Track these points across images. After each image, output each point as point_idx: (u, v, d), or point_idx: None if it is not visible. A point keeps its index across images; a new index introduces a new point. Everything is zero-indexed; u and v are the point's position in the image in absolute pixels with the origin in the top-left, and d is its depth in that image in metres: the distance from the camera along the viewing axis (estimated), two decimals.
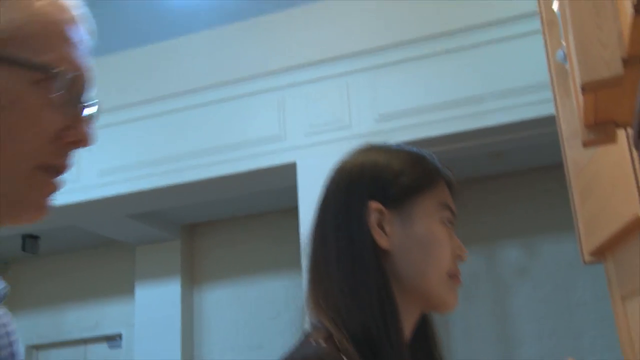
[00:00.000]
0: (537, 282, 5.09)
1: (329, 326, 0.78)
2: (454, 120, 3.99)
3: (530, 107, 3.81)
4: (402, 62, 4.25)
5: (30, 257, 6.20)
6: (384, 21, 4.33)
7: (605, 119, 1.23)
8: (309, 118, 4.44)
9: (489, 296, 5.20)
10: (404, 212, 0.83)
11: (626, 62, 1.02)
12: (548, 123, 3.13)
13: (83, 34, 0.75)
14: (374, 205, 0.82)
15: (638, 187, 1.74)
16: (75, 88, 0.72)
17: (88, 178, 4.84)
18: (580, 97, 1.19)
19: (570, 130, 2.37)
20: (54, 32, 0.69)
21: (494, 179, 5.32)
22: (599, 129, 1.23)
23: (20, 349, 0.76)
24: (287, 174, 4.44)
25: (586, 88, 1.07)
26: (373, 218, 0.82)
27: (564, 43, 1.57)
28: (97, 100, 0.75)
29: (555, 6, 2.35)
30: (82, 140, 0.75)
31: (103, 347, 6.18)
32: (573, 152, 2.35)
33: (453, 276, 0.86)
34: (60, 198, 3.99)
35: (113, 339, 6.14)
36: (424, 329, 0.89)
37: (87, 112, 0.76)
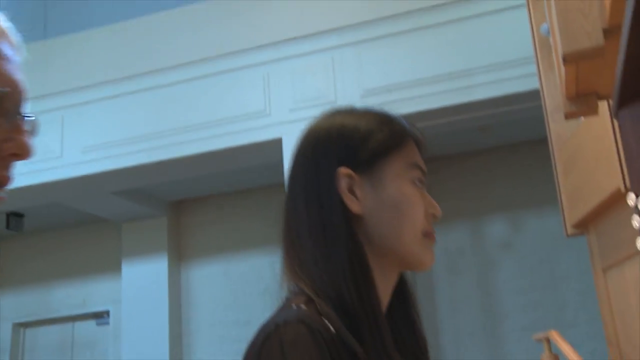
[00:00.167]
0: (522, 256, 5.14)
1: (309, 292, 0.78)
2: (439, 95, 3.99)
3: (515, 82, 3.81)
4: (387, 37, 4.22)
5: (15, 235, 6.17)
6: None
7: (587, 90, 1.23)
8: (294, 94, 4.42)
9: (475, 270, 5.25)
10: (374, 175, 0.83)
11: (607, 32, 1.01)
12: (533, 97, 3.14)
13: (12, 48, 0.77)
14: (343, 170, 0.82)
15: (620, 159, 1.76)
16: (10, 101, 0.73)
17: (72, 155, 4.81)
18: (562, 68, 1.19)
19: (554, 104, 2.38)
20: None
21: (479, 153, 5.34)
22: (581, 101, 1.23)
23: None
24: (272, 149, 4.42)
25: (567, 58, 1.07)
26: (343, 184, 0.81)
27: (547, 17, 1.56)
28: (33, 115, 0.76)
29: None
30: (22, 152, 0.75)
31: (91, 324, 6.20)
32: (557, 126, 2.37)
33: (428, 234, 0.85)
34: (45, 175, 3.96)
35: (100, 316, 6.15)
36: (400, 289, 0.89)
37: (26, 124, 0.76)
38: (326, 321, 0.75)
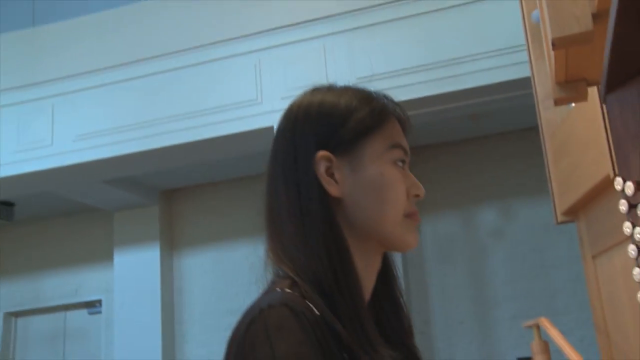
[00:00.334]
0: (513, 244, 5.16)
1: (292, 275, 0.78)
2: (431, 83, 3.98)
3: (506, 70, 3.81)
4: (379, 25, 4.21)
5: (6, 224, 6.14)
6: None
7: (576, 76, 1.23)
8: (285, 82, 4.40)
9: (466, 258, 5.27)
10: (353, 156, 0.81)
11: (596, 17, 1.01)
12: (524, 85, 3.14)
13: None
14: (321, 153, 0.80)
15: (609, 145, 1.76)
16: None
17: (63, 143, 4.78)
18: (552, 53, 1.19)
19: (545, 91, 2.38)
20: None
21: (471, 141, 5.35)
22: (570, 87, 1.23)
23: None
24: (264, 138, 4.41)
25: (557, 43, 1.07)
26: (321, 167, 0.80)
27: (538, 3, 1.55)
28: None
29: None
30: None
31: (83, 313, 6.19)
32: (547, 113, 2.37)
33: (410, 215, 0.83)
34: (35, 164, 3.94)
35: (93, 305, 6.15)
36: (384, 272, 0.88)
37: None
38: (310, 304, 0.74)
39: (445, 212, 5.26)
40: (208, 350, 5.59)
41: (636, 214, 0.78)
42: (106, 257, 6.05)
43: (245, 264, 5.59)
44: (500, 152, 5.29)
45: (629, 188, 0.79)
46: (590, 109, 1.84)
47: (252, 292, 0.77)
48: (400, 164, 0.84)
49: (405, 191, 0.83)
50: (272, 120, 4.36)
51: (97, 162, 4.80)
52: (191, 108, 4.57)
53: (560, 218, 2.29)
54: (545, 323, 2.48)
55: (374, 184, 0.81)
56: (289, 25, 4.45)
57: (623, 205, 0.81)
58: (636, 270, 0.79)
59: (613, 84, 0.86)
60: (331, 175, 0.81)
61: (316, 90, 0.88)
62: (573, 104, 2.08)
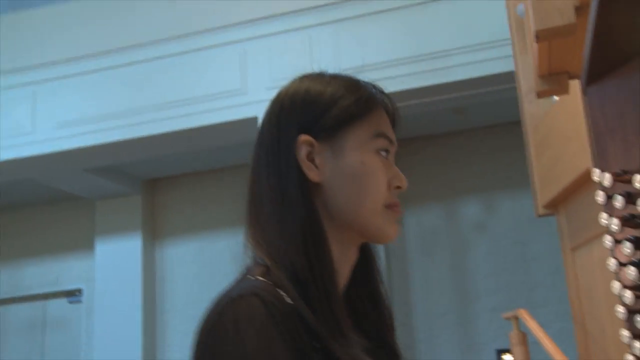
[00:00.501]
0: (495, 237, 5.20)
1: (268, 262, 0.78)
2: (415, 76, 3.99)
3: (491, 63, 3.83)
4: (365, 16, 4.20)
5: None
6: None
7: (559, 69, 1.24)
8: (270, 72, 4.38)
9: (448, 251, 5.31)
10: (335, 143, 0.81)
11: (579, 10, 1.02)
12: (508, 79, 3.16)
13: None
14: (303, 138, 0.80)
15: (591, 140, 1.78)
16: None
17: (45, 131, 4.73)
18: (535, 46, 1.19)
19: (528, 85, 2.40)
20: None
21: (456, 134, 5.37)
22: (553, 79, 1.24)
23: None
24: (248, 128, 4.40)
25: (540, 35, 1.07)
26: (303, 151, 0.80)
27: None
28: None
29: None
30: None
31: (63, 302, 6.15)
32: (531, 107, 2.39)
33: (391, 206, 0.83)
34: (15, 151, 3.89)
35: (73, 294, 6.10)
36: (365, 262, 0.88)
37: None
38: (282, 293, 0.74)
39: (429, 204, 5.28)
40: (190, 340, 5.56)
41: (613, 205, 0.79)
42: (87, 246, 6.00)
43: (228, 254, 5.58)
44: (485, 145, 5.32)
45: (607, 179, 0.80)
46: (573, 103, 1.86)
47: None
48: (383, 153, 0.83)
49: (387, 182, 0.83)
50: (257, 110, 4.34)
51: (79, 150, 4.75)
52: (175, 97, 4.53)
53: (541, 211, 2.31)
54: (524, 314, 2.51)
55: (354, 172, 0.81)
56: (274, 16, 4.43)
57: (600, 197, 0.82)
58: (611, 261, 0.80)
59: (593, 76, 0.87)
60: (312, 160, 0.81)
61: (305, 77, 0.88)
62: (556, 98, 2.10)
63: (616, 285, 0.79)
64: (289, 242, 0.78)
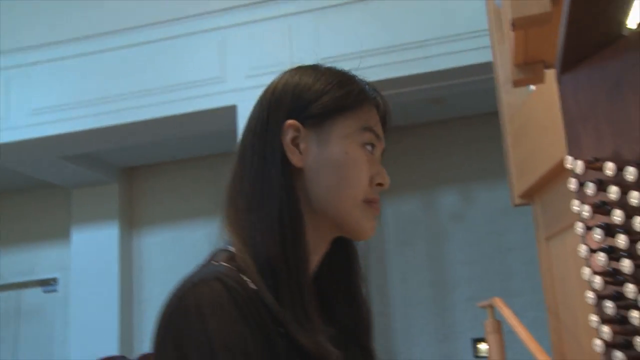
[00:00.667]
0: (472, 227, 5.24)
1: (237, 244, 0.78)
2: (394, 65, 3.99)
3: (469, 54, 3.84)
4: (344, 5, 4.19)
5: None
6: None
7: (535, 58, 1.24)
8: (250, 60, 4.35)
9: (425, 241, 5.34)
10: (322, 131, 0.82)
11: None
12: (487, 69, 3.17)
13: None
14: (290, 122, 0.81)
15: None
16: None
17: (19, 117, 4.65)
18: (512, 34, 1.19)
19: (506, 75, 2.41)
20: None
21: (434, 125, 5.39)
22: (529, 68, 1.25)
23: None
24: (227, 116, 4.37)
25: (516, 24, 1.08)
26: (288, 135, 0.81)
27: None
28: None
29: None
30: None
31: (37, 291, 6.08)
32: (508, 97, 2.40)
33: (370, 202, 0.83)
34: None
35: (48, 284, 6.04)
36: (345, 260, 0.88)
37: None
38: (246, 278, 0.74)
39: (407, 194, 5.30)
40: None
41: (585, 193, 0.80)
42: (63, 234, 5.94)
43: (206, 244, 5.54)
44: (463, 136, 5.35)
45: (579, 167, 0.80)
46: (549, 93, 1.87)
47: None
48: (369, 148, 0.84)
49: (370, 177, 0.83)
50: (236, 98, 4.32)
51: (55, 138, 4.69)
52: (153, 84, 4.49)
53: (517, 201, 2.33)
54: (498, 303, 2.53)
55: (336, 161, 0.81)
56: (254, 3, 4.40)
57: (572, 184, 0.82)
58: (582, 247, 0.81)
59: (567, 64, 0.87)
60: (297, 145, 0.81)
61: (300, 67, 0.89)
62: (533, 87, 2.11)
63: (586, 272, 0.80)
64: (266, 224, 0.78)
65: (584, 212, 0.80)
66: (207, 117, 4.53)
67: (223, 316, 0.69)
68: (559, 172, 1.90)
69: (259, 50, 4.35)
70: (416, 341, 5.21)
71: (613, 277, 0.76)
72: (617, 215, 0.73)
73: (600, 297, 0.78)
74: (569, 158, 0.84)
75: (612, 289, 0.76)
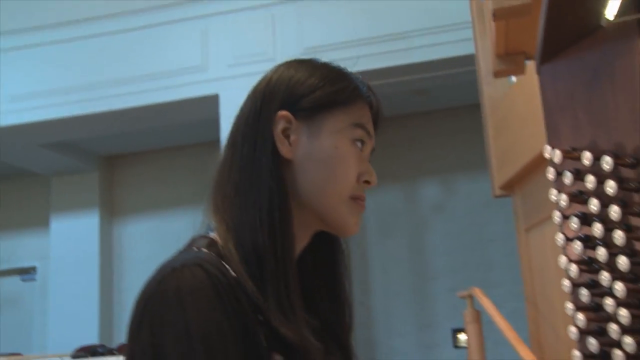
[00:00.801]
0: (453, 219, 5.28)
1: (221, 231, 0.78)
2: (378, 56, 3.99)
3: (453, 45, 3.86)
4: None
5: None
6: None
7: (516, 49, 1.25)
8: (232, 49, 4.33)
9: (407, 232, 5.36)
10: (313, 124, 0.82)
11: None
12: (469, 61, 3.18)
13: None
14: (282, 113, 0.81)
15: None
16: None
17: None
18: (493, 25, 1.20)
19: (487, 67, 2.42)
20: None
21: (417, 116, 5.40)
22: (510, 59, 1.25)
23: None
24: (209, 106, 4.35)
25: (497, 14, 1.08)
26: (279, 126, 0.81)
27: None
28: None
29: None
30: None
31: (16, 280, 6.02)
32: (489, 89, 2.41)
33: (356, 199, 0.84)
34: None
35: (27, 272, 5.98)
36: (332, 256, 0.88)
37: None
38: (226, 265, 0.74)
39: (388, 185, 5.32)
40: None
41: (562, 182, 0.80)
42: (42, 223, 5.88)
43: (187, 233, 5.53)
44: (446, 127, 5.37)
45: (557, 156, 0.81)
46: (530, 85, 1.88)
47: None
48: (359, 144, 0.84)
49: (357, 173, 0.84)
50: (218, 88, 4.29)
51: (34, 125, 4.63)
52: (135, 72, 4.45)
53: (497, 192, 2.35)
54: (478, 293, 2.56)
55: (326, 155, 0.81)
56: None
57: (550, 173, 0.83)
58: (559, 236, 0.82)
59: (547, 55, 0.88)
60: (287, 137, 0.82)
61: (296, 60, 0.89)
62: (514, 79, 2.12)
63: (563, 260, 0.81)
64: (255, 211, 0.78)
65: (561, 201, 0.81)
66: (188, 106, 4.50)
67: (202, 303, 0.69)
68: (539, 164, 1.91)
69: (241, 40, 4.33)
70: (397, 331, 5.25)
71: (589, 265, 0.77)
72: (594, 205, 0.74)
73: (576, 285, 0.79)
74: (548, 147, 0.85)
75: (587, 277, 0.77)
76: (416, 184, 5.43)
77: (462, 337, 4.91)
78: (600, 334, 0.74)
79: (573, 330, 0.78)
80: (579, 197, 0.77)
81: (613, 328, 0.71)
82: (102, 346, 3.71)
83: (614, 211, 0.70)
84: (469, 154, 5.17)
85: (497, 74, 1.28)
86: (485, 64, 2.46)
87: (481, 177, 4.96)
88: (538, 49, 0.87)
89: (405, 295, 5.27)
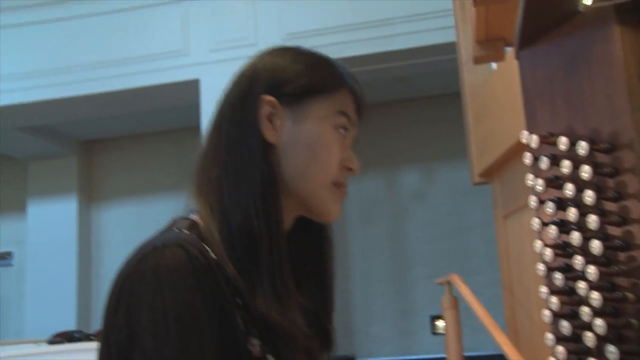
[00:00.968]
0: (433, 206, 5.31)
1: (203, 213, 0.79)
2: (359, 43, 3.98)
3: (434, 33, 3.86)
4: None
5: None
6: None
7: (496, 35, 1.25)
8: (214, 34, 4.29)
9: (387, 219, 5.39)
10: (298, 110, 0.83)
11: None
12: (450, 49, 3.19)
13: None
14: (267, 98, 0.82)
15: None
16: None
17: None
18: (473, 11, 1.20)
19: (468, 54, 2.42)
20: None
21: (398, 104, 5.41)
22: (490, 45, 1.25)
23: None
24: (189, 90, 4.31)
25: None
26: (264, 110, 0.81)
27: None
28: None
29: None
30: None
31: None
32: (470, 76, 2.42)
33: (338, 185, 0.85)
34: None
35: (3, 257, 5.92)
36: (319, 245, 0.89)
37: None
38: (207, 247, 0.74)
39: (369, 173, 5.33)
40: None
41: (539, 167, 0.81)
42: (19, 208, 5.81)
43: (166, 218, 5.49)
44: (426, 115, 5.39)
45: (534, 141, 0.82)
46: (510, 72, 1.89)
47: None
48: (342, 131, 0.85)
49: (339, 160, 0.84)
50: (199, 72, 4.26)
51: (11, 108, 4.56)
52: (114, 56, 4.39)
53: (476, 179, 2.37)
54: (456, 280, 2.58)
55: (309, 140, 0.82)
56: None
57: (527, 158, 0.84)
58: (535, 221, 0.82)
59: (526, 41, 0.88)
60: (272, 122, 0.82)
61: (282, 47, 0.90)
62: (494, 66, 2.13)
63: (538, 244, 0.82)
64: (247, 193, 0.78)
65: (537, 186, 0.82)
66: (169, 91, 4.46)
67: (180, 284, 0.69)
68: (518, 151, 1.92)
69: (223, 24, 4.29)
70: (375, 318, 5.28)
71: (563, 249, 0.77)
72: (569, 189, 0.75)
73: (550, 269, 0.80)
74: (525, 133, 0.85)
75: (561, 261, 0.78)
76: (396, 171, 5.44)
77: (440, 323, 4.95)
78: (573, 316, 0.75)
79: (547, 313, 0.79)
80: (555, 182, 0.78)
81: (585, 311, 0.72)
82: (80, 332, 3.68)
83: (588, 196, 0.71)
84: (449, 142, 5.19)
85: (477, 60, 1.29)
86: (466, 51, 2.46)
87: (461, 165, 4.99)
88: (517, 33, 0.88)
89: (385, 281, 5.31)
